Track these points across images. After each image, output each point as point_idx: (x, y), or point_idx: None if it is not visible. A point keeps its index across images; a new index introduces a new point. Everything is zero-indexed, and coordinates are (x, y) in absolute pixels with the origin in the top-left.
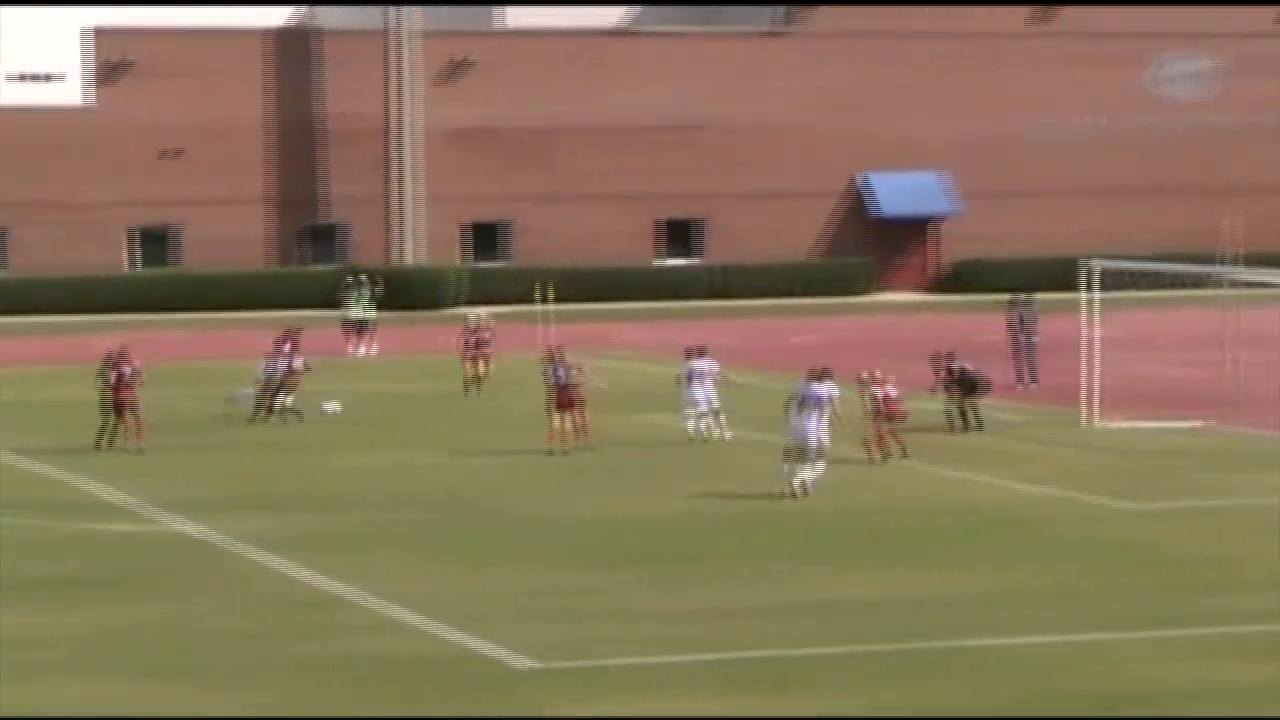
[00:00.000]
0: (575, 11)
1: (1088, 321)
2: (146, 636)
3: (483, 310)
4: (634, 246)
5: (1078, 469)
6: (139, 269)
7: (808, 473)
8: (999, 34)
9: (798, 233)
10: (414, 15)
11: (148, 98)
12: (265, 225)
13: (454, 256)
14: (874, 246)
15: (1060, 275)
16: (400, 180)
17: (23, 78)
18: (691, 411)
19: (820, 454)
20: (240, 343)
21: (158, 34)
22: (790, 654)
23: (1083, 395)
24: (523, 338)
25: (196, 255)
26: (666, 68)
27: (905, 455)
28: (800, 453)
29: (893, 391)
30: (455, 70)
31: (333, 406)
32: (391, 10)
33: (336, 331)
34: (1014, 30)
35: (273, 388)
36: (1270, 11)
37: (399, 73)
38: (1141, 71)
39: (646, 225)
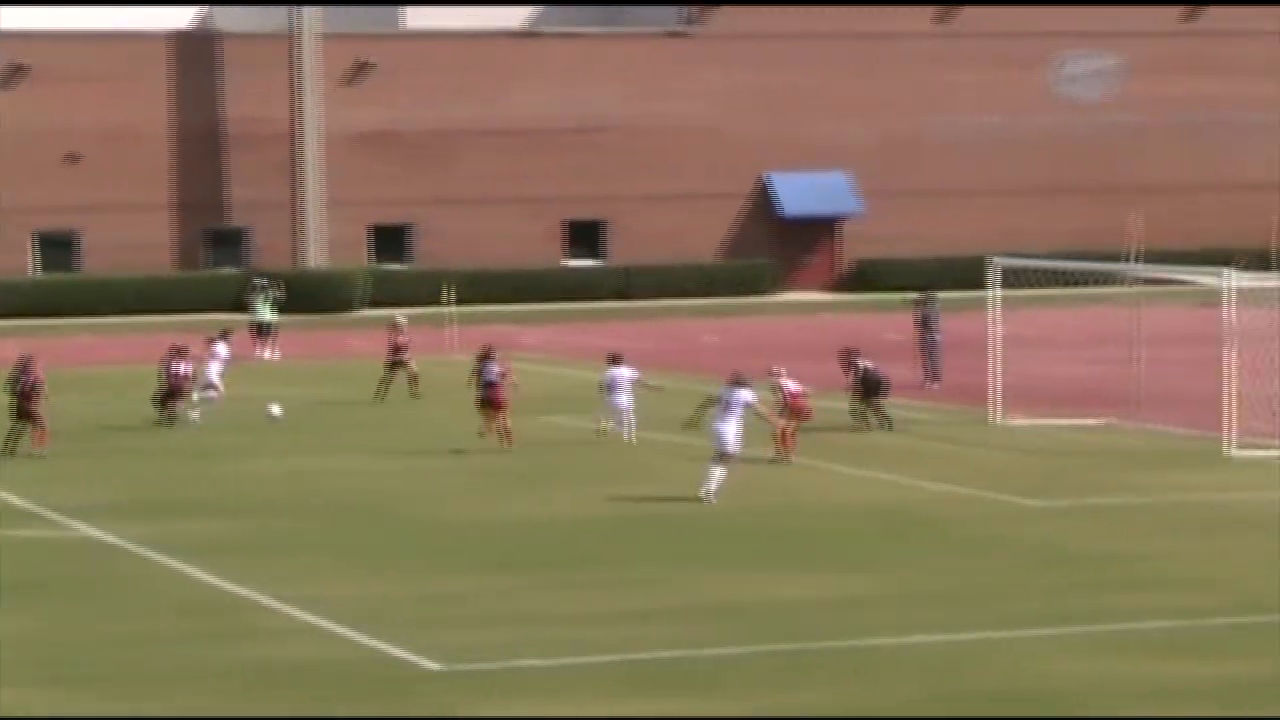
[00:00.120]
0: (477, 13)
1: (992, 320)
2: (50, 642)
3: (399, 313)
4: (539, 248)
5: (984, 467)
6: (38, 274)
7: (714, 481)
8: (902, 35)
9: (703, 233)
10: (315, 17)
11: (47, 102)
12: (169, 230)
13: (359, 259)
14: (779, 247)
15: (964, 274)
16: (304, 183)
17: None
18: (614, 417)
19: (732, 459)
20: (145, 347)
21: (56, 37)
22: (695, 655)
23: (989, 394)
24: (429, 340)
25: (100, 260)
26: (570, 69)
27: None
28: (721, 457)
29: (794, 387)
30: (358, 73)
31: (277, 410)
32: (293, 12)
33: (244, 335)
34: (917, 31)
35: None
36: (1171, 11)
37: (301, 75)
38: (1044, 71)
39: (551, 227)
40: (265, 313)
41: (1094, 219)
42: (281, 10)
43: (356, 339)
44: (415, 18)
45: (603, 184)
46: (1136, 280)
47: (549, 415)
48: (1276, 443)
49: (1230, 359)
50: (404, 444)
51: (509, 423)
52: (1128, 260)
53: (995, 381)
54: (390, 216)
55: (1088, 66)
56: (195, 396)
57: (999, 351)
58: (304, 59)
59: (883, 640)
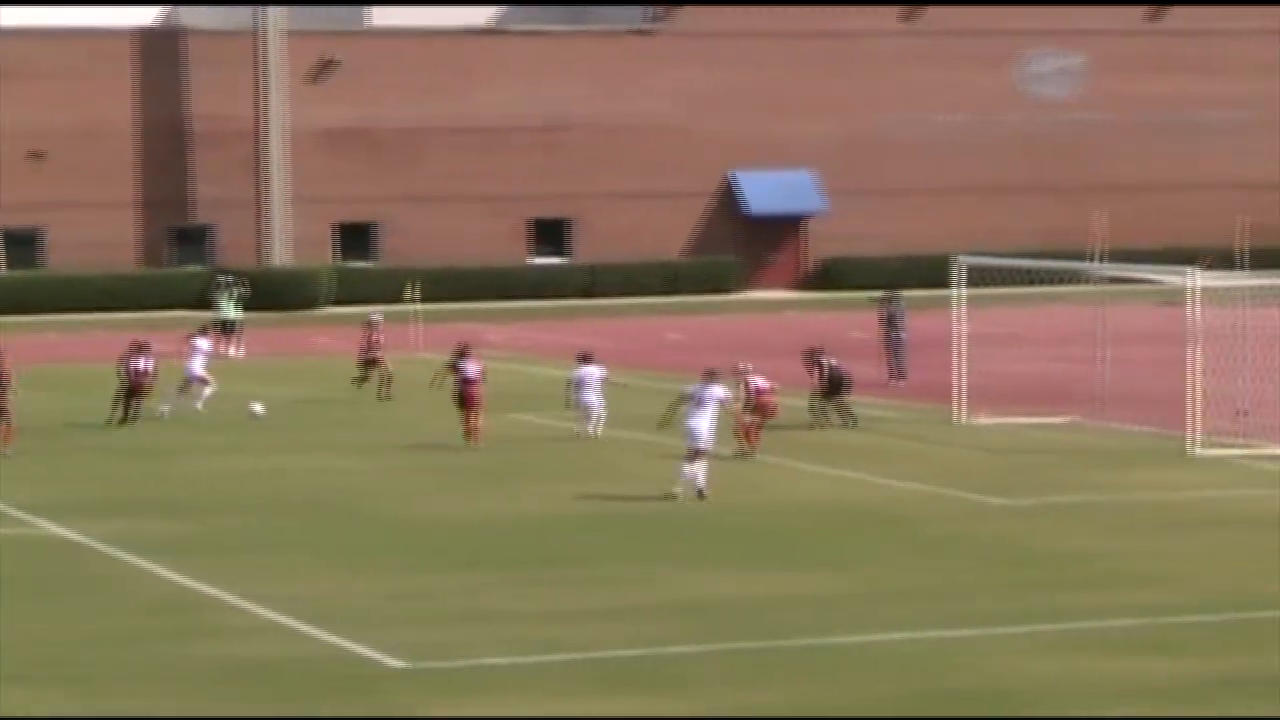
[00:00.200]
0: (442, 11)
1: (957, 318)
2: (15, 640)
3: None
4: (504, 246)
5: (949, 466)
6: (3, 271)
7: (699, 476)
8: (868, 33)
9: (668, 232)
10: (280, 15)
11: (10, 99)
12: (134, 227)
13: (324, 257)
14: (745, 245)
15: (929, 273)
16: (269, 181)
17: None
18: (583, 416)
19: (706, 454)
20: (110, 345)
21: (19, 34)
22: (661, 653)
23: (954, 392)
24: (394, 338)
25: (64, 257)
26: (535, 67)
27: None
28: (695, 454)
29: (762, 383)
30: (323, 71)
31: (259, 408)
32: (258, 10)
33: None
34: (883, 29)
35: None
36: (1136, 10)
37: (266, 73)
38: (1009, 70)
39: (517, 225)
40: (230, 310)
41: (1059, 218)
42: (246, 8)
43: (321, 336)
44: (380, 15)
45: (568, 182)
46: (1101, 279)
47: (516, 413)
48: (1239, 441)
49: (1194, 358)
50: (371, 442)
51: (479, 421)
52: (1092, 259)
53: (960, 380)
54: (355, 214)
55: (1053, 65)
56: (176, 392)
57: (964, 350)
58: (269, 56)
59: (847, 638)
